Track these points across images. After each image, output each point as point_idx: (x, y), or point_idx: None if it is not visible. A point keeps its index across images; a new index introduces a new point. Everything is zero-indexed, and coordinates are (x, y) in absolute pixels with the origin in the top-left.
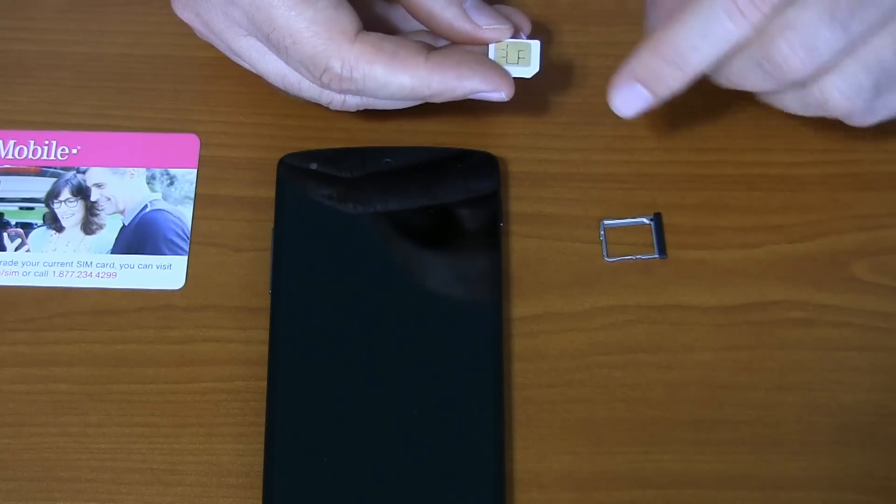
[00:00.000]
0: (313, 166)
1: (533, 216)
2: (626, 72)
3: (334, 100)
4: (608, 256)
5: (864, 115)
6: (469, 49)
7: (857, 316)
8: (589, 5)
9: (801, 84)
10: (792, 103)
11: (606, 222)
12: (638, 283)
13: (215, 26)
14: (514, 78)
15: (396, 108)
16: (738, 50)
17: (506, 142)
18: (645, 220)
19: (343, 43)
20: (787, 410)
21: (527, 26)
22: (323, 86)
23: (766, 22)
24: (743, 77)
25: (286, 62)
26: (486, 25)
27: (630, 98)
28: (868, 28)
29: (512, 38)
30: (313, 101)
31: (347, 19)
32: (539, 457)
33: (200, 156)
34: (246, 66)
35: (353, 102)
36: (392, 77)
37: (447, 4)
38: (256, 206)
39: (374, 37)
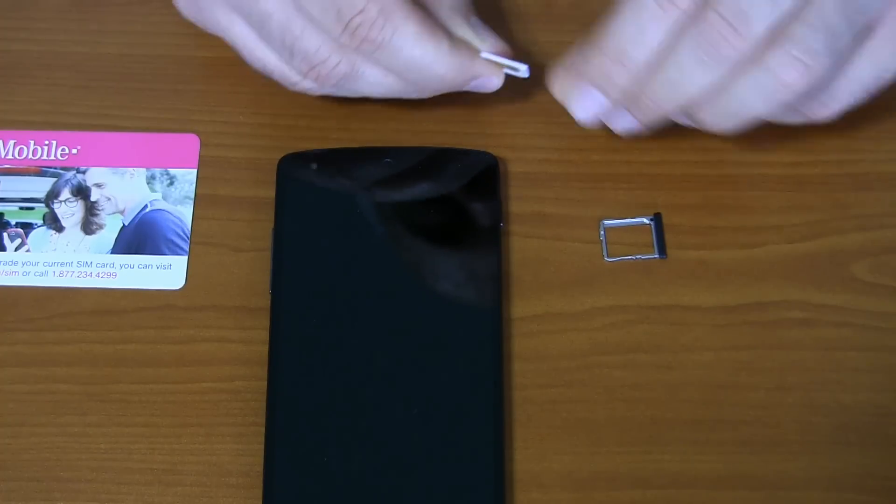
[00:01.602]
0: (313, 166)
1: (533, 216)
2: (575, 70)
3: (327, 61)
4: (608, 256)
5: (826, 99)
6: None
7: (857, 316)
8: (589, 5)
9: (752, 62)
10: (752, 95)
11: (606, 222)
12: (638, 283)
13: None
14: (509, 75)
15: (375, 93)
16: (676, 48)
17: (506, 142)
18: (645, 220)
19: None
20: (787, 410)
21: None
22: (343, 32)
23: (695, 6)
24: (692, 78)
25: (313, 2)
26: (489, 40)
27: (586, 101)
28: None
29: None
30: (298, 58)
31: None
32: (539, 457)
33: (200, 156)
34: (224, 18)
35: (341, 71)
36: (418, 41)
37: (451, 14)
38: (256, 206)
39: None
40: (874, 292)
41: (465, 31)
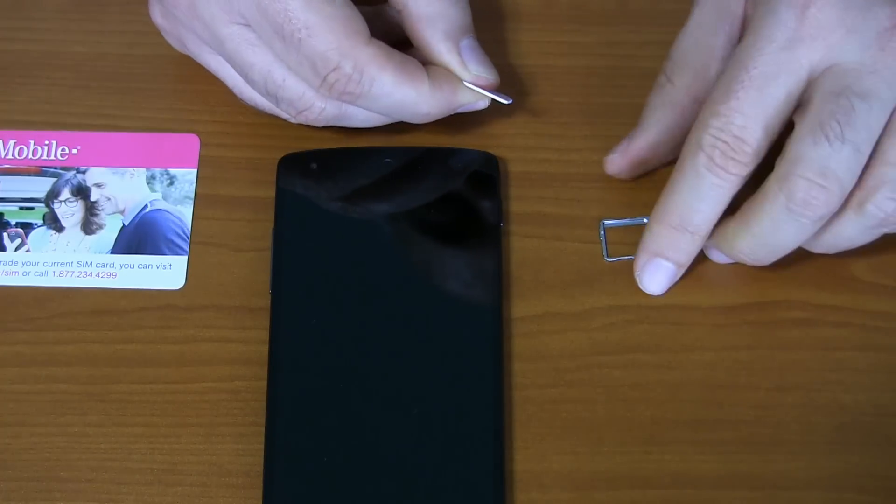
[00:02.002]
0: (313, 166)
1: (533, 216)
2: (643, 251)
3: (313, 107)
4: (608, 256)
5: None
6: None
7: (857, 316)
8: (589, 5)
9: (854, 210)
10: (855, 232)
11: (606, 222)
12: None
13: (206, 8)
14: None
15: (367, 125)
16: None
17: (506, 142)
18: (645, 220)
19: (358, 43)
20: (787, 410)
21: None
22: (321, 86)
23: (752, 170)
24: (786, 236)
25: (291, 58)
26: (474, 71)
27: (657, 274)
28: (871, 130)
29: (491, 90)
30: (284, 104)
31: (361, 22)
32: (539, 457)
33: (200, 156)
34: (212, 59)
35: (329, 114)
36: (397, 87)
37: (444, 38)
38: (256, 206)
39: (384, 46)
40: (874, 292)
41: (452, 58)
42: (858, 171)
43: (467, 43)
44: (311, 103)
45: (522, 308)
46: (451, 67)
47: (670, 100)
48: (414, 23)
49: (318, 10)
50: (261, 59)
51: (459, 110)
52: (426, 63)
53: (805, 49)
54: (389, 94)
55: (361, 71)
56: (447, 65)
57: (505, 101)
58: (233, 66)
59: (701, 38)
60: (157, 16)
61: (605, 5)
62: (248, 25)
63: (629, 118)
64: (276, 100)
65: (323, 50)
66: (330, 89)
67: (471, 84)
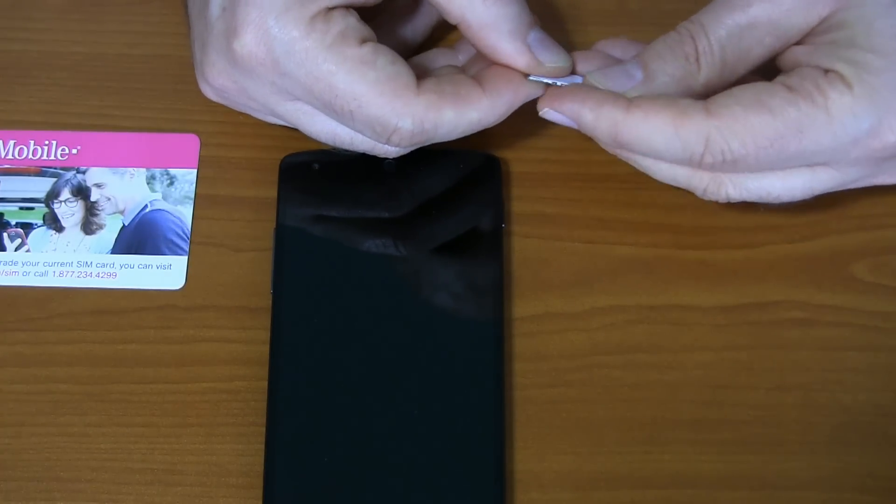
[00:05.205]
0: (315, 166)
1: (533, 216)
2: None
3: (389, 151)
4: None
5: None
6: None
7: (857, 316)
8: (589, 5)
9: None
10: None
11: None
12: (638, 283)
13: (257, 92)
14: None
15: (448, 139)
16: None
17: (506, 142)
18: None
19: (410, 98)
20: (787, 410)
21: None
22: (387, 142)
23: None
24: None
25: (349, 125)
26: (549, 63)
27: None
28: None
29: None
30: (360, 150)
31: (407, 73)
32: (539, 457)
33: (200, 156)
34: (278, 121)
35: (407, 148)
36: (461, 118)
37: (511, 39)
38: (257, 206)
39: (432, 83)
40: (874, 292)
41: (525, 58)
42: None
43: (534, 36)
44: (384, 149)
45: (522, 308)
46: (527, 68)
47: (686, 84)
48: (475, 33)
49: (362, 79)
50: (322, 126)
51: (525, 101)
52: (489, 66)
53: None
54: (455, 126)
55: (421, 122)
56: (521, 66)
57: (578, 80)
58: (300, 130)
59: (749, 35)
60: (211, 94)
61: (604, 5)
62: (301, 100)
63: None
64: (349, 149)
65: (378, 115)
66: (397, 144)
67: (537, 77)
